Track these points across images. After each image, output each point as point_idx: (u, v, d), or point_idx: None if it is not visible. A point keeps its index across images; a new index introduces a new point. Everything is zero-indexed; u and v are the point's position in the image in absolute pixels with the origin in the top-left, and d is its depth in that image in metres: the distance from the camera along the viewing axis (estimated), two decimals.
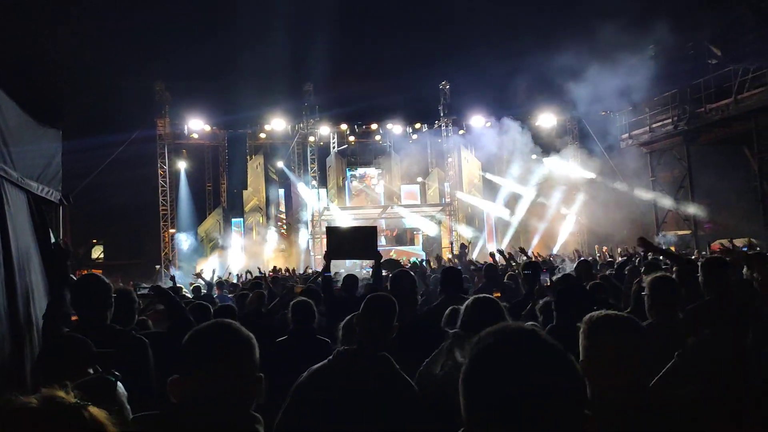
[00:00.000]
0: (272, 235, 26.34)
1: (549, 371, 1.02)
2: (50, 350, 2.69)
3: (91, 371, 2.55)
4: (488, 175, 28.04)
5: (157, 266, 23.75)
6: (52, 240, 4.52)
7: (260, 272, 13.27)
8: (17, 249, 3.83)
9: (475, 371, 1.06)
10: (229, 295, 10.48)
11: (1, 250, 3.53)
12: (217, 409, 1.52)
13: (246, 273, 15.44)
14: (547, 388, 1.00)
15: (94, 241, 30.53)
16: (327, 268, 5.87)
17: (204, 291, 10.82)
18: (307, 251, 26.09)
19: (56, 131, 5.00)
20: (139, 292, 6.87)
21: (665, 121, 22.38)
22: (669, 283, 3.54)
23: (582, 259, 10.64)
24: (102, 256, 30.53)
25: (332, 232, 6.13)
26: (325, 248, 6.08)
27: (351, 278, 6.87)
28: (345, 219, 26.21)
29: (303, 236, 26.69)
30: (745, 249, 10.95)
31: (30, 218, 4.34)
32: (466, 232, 27.20)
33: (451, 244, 26.55)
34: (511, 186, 27.19)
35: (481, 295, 3.46)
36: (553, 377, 1.01)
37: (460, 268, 8.12)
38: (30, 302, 4.00)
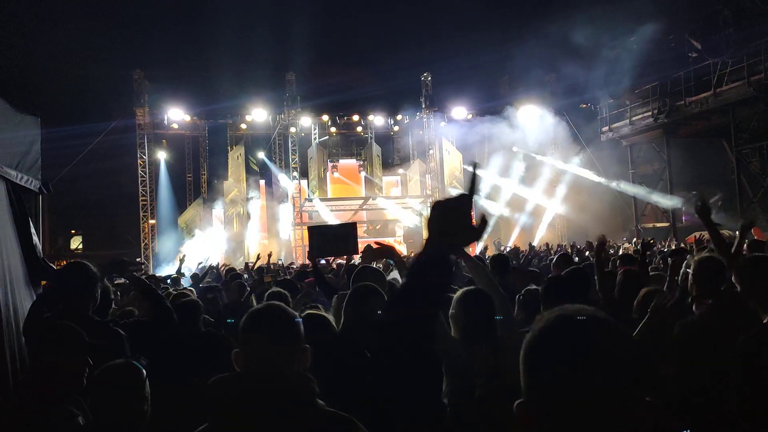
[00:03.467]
0: (253, 225, 26.18)
1: (614, 348, 1.04)
2: (46, 336, 2.65)
3: (90, 360, 2.53)
4: (478, 171, 28.03)
5: (139, 259, 23.50)
6: (32, 228, 4.45)
7: (247, 267, 13.07)
8: None
9: (541, 344, 1.08)
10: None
11: None
12: (274, 374, 1.82)
13: (223, 266, 15.33)
14: (609, 364, 1.01)
15: (73, 231, 30.15)
16: (316, 267, 5.96)
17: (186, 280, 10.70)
18: (289, 242, 26.00)
19: (35, 118, 4.91)
20: (115, 282, 6.81)
21: (645, 114, 22.61)
22: (715, 264, 3.61)
23: (562, 253, 10.64)
24: (81, 246, 30.16)
25: (314, 232, 6.18)
26: (306, 240, 6.15)
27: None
28: (326, 210, 26.14)
29: (284, 227, 26.58)
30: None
31: (9, 206, 4.26)
32: None
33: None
34: (493, 178, 27.30)
35: (472, 287, 3.47)
36: (616, 354, 1.03)
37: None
38: (7, 288, 3.95)
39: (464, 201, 1.43)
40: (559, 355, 1.04)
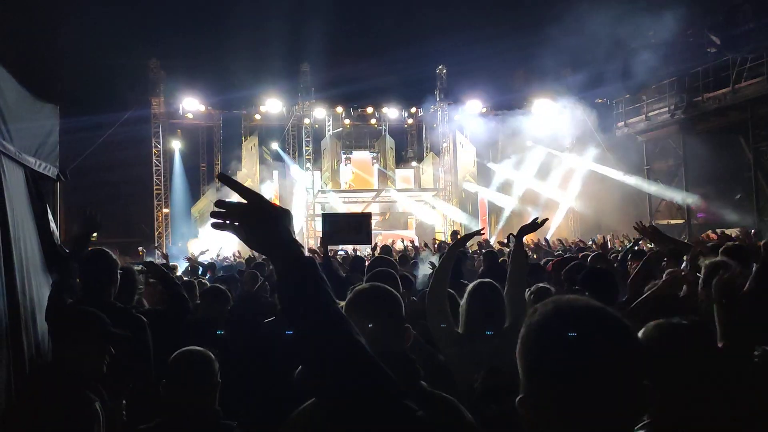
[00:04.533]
0: None
1: (609, 336, 1.04)
2: (68, 321, 2.68)
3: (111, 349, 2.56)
4: (492, 165, 28.01)
5: (141, 248, 23.62)
6: (50, 215, 4.49)
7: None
8: (14, 221, 3.80)
9: (538, 335, 1.08)
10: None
11: None
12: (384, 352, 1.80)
13: (234, 255, 15.40)
14: (607, 350, 1.02)
15: None
16: (326, 254, 5.92)
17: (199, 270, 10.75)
18: (301, 234, 26.08)
19: (53, 106, 4.95)
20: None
21: (662, 110, 22.38)
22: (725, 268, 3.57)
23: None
24: (95, 234, 30.38)
25: (328, 219, 6.15)
26: (319, 231, 6.13)
27: (359, 261, 6.88)
28: (339, 202, 26.18)
29: (297, 218, 26.66)
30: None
31: (27, 193, 4.30)
32: (460, 217, 27.21)
33: (444, 232, 26.58)
34: (506, 172, 27.21)
35: (483, 280, 3.48)
36: (614, 340, 1.03)
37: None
38: (25, 275, 3.98)
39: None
40: (556, 345, 1.04)
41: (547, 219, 4.55)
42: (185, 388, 2.42)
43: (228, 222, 1.21)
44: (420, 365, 1.90)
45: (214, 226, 1.24)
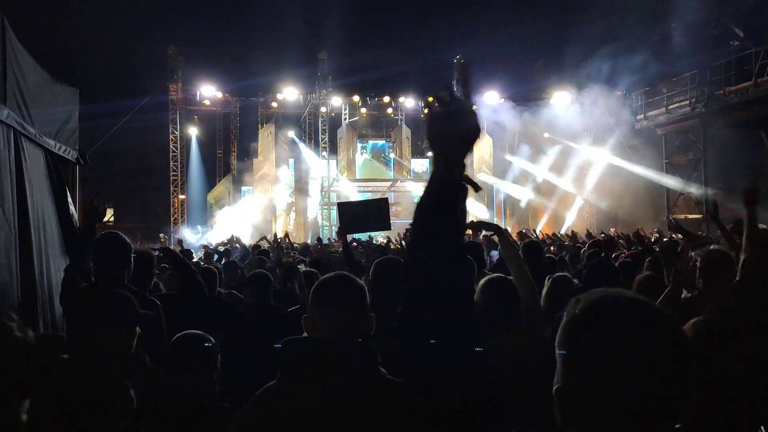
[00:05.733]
0: (281, 204, 26.36)
1: (662, 329, 1.03)
2: (98, 304, 2.69)
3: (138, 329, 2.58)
4: (508, 156, 27.85)
5: (162, 234, 23.80)
6: (69, 198, 4.53)
7: (276, 239, 13.14)
8: (33, 204, 3.84)
9: (585, 325, 1.06)
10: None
11: (17, 203, 3.53)
12: (343, 339, 1.90)
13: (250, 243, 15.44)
14: (659, 343, 1.00)
15: (105, 204, 30.68)
16: (346, 244, 5.87)
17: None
18: (316, 221, 26.15)
19: (74, 90, 4.98)
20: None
21: (682, 103, 22.09)
22: (725, 258, 3.53)
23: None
24: (112, 218, 30.71)
25: (344, 208, 6.06)
26: (335, 220, 6.07)
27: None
28: (354, 191, 26.17)
29: (312, 206, 26.71)
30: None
31: (47, 175, 4.34)
32: (474, 208, 27.11)
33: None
34: (522, 164, 27.04)
35: (494, 275, 3.44)
36: (665, 335, 1.02)
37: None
38: (43, 257, 4.02)
39: (458, 106, 1.42)
40: (604, 336, 1.02)
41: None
42: (185, 371, 2.50)
43: None
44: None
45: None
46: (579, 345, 1.06)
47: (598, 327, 1.04)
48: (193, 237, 22.12)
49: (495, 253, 7.63)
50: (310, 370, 1.87)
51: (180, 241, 10.77)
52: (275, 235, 15.49)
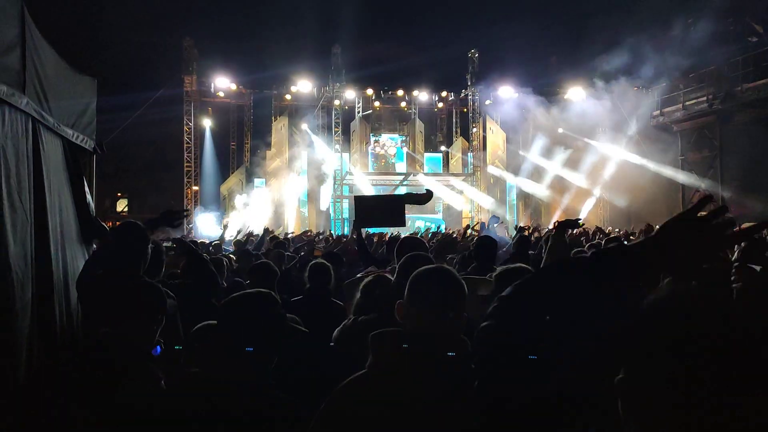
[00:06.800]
0: (294, 196, 26.41)
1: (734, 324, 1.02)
2: (132, 294, 2.72)
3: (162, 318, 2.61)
4: (522, 151, 27.73)
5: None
6: (86, 187, 4.56)
7: (286, 236, 13.25)
8: (50, 192, 3.86)
9: (666, 309, 1.06)
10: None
11: (34, 192, 3.55)
12: (440, 336, 1.88)
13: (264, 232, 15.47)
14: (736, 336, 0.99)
15: (119, 194, 30.93)
16: (360, 237, 5.92)
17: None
18: (328, 213, 26.18)
19: (92, 79, 5.01)
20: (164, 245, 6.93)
21: (699, 99, 21.87)
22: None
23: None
24: (126, 209, 30.96)
25: (360, 202, 6.11)
26: (347, 212, 6.11)
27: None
28: (366, 184, 26.17)
29: (324, 199, 26.75)
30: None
31: (65, 164, 4.37)
32: (488, 203, 27.05)
33: (472, 217, 26.47)
34: (536, 159, 26.92)
35: (510, 265, 3.43)
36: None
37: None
38: (59, 246, 4.04)
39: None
40: (687, 322, 1.01)
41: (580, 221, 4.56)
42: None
43: None
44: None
45: None
46: (659, 332, 1.04)
47: (671, 319, 1.04)
48: (214, 227, 22.11)
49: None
50: (402, 365, 1.84)
51: (190, 231, 10.87)
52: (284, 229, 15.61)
